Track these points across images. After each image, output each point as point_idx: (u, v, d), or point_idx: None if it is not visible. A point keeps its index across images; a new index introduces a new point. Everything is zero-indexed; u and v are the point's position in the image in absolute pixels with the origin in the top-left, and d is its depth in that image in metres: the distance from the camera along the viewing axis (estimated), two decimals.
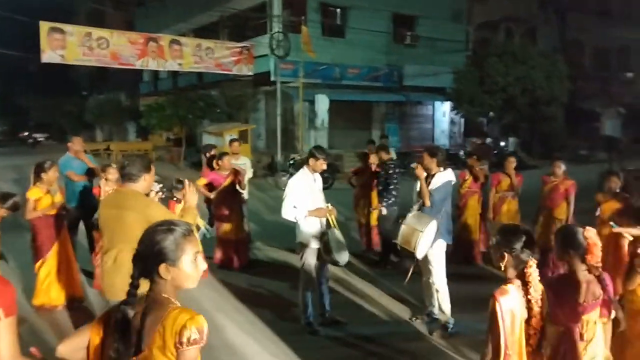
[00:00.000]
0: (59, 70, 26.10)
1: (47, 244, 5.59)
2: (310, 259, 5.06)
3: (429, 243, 4.90)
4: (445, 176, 5.03)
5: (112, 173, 6.12)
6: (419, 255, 4.88)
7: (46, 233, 5.58)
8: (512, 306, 2.46)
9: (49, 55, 14.86)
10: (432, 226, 4.85)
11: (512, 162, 7.38)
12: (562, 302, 2.88)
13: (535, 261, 2.52)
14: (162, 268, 1.82)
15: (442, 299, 5.04)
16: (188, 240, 1.88)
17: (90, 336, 1.88)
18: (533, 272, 2.48)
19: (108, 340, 1.84)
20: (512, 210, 7.30)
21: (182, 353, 1.73)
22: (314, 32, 19.67)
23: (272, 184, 16.12)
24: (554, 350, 2.95)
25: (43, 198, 5.53)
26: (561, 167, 6.67)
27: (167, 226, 1.89)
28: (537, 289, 2.49)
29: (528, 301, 2.49)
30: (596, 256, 2.80)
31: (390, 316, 5.51)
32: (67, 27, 15.26)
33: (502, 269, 2.55)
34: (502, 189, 7.34)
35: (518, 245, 2.50)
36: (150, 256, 1.84)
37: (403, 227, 4.99)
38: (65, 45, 15.01)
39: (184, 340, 1.73)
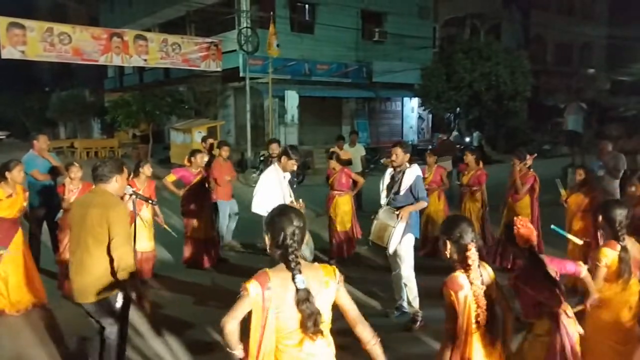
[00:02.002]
0: (19, 66, 25.26)
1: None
2: None
3: (399, 237, 4.99)
4: (415, 171, 5.15)
5: (75, 171, 6.02)
6: (391, 249, 4.98)
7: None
8: (464, 291, 2.65)
9: (9, 51, 14.41)
10: (404, 220, 4.95)
11: (466, 157, 7.47)
12: (536, 288, 3.06)
13: (475, 245, 2.70)
14: (308, 236, 2.41)
15: (410, 292, 5.12)
16: None
17: (258, 291, 2.29)
18: (472, 254, 2.66)
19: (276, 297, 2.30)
20: (471, 207, 7.35)
21: (342, 289, 2.45)
22: (283, 28, 19.59)
23: (242, 180, 16.03)
24: (551, 345, 3.06)
25: (4, 201, 5.32)
26: (517, 162, 6.74)
27: (295, 209, 2.51)
28: (476, 270, 2.66)
29: (470, 283, 2.66)
30: (519, 237, 3.08)
31: (360, 310, 5.55)
32: (28, 22, 14.83)
33: (448, 256, 2.77)
34: (463, 183, 7.47)
35: (456, 232, 2.70)
36: (303, 234, 2.41)
37: (375, 223, 5.08)
38: (26, 41, 14.59)
39: (339, 279, 2.42)
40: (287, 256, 2.31)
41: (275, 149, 7.36)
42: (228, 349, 2.37)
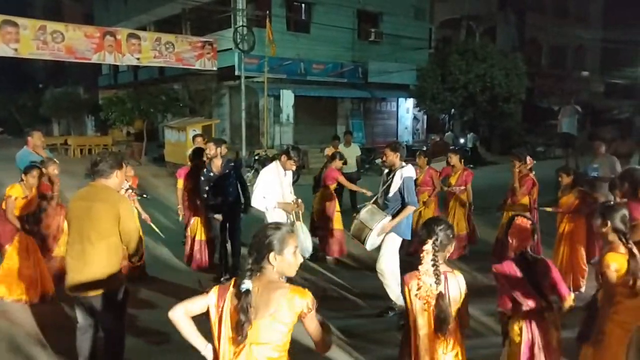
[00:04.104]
0: (12, 63, 25.11)
1: (5, 237, 5.57)
2: None
3: (377, 238, 5.08)
4: (406, 173, 5.11)
5: (54, 168, 6.10)
6: (369, 247, 5.14)
7: (5, 227, 5.55)
8: (419, 288, 2.74)
9: (1, 48, 14.35)
10: (384, 222, 5.02)
11: (449, 158, 7.56)
12: (513, 284, 3.11)
13: (430, 245, 2.79)
14: (271, 256, 2.27)
15: (388, 289, 5.17)
16: (290, 237, 2.34)
17: (213, 302, 2.30)
18: (425, 254, 2.76)
19: (227, 308, 2.27)
20: (458, 207, 7.35)
21: (309, 316, 2.29)
22: (278, 27, 19.57)
23: None
24: (525, 343, 3.08)
25: (19, 201, 5.48)
26: (517, 163, 6.77)
27: (275, 225, 2.38)
28: (427, 269, 2.75)
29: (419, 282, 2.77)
30: (513, 232, 3.17)
31: (359, 310, 5.56)
32: (20, 20, 14.76)
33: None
34: (451, 184, 7.47)
35: (423, 231, 2.85)
36: (262, 247, 2.28)
37: (355, 222, 5.19)
38: (19, 38, 14.53)
39: (309, 307, 2.28)
40: (247, 264, 2.33)
41: (211, 148, 6.27)
42: (199, 350, 2.36)
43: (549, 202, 6.93)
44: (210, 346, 2.35)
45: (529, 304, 3.07)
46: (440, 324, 2.69)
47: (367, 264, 7.12)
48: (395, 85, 23.92)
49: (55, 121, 34.72)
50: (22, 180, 5.55)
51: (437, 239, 2.75)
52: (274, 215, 5.20)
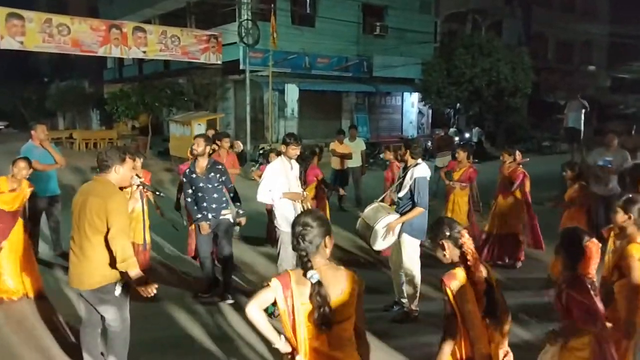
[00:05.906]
0: (18, 56, 25.14)
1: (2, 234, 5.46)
2: (287, 242, 5.06)
3: (389, 238, 4.95)
4: (418, 172, 4.94)
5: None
6: (377, 248, 5.07)
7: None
8: (463, 287, 2.67)
9: (7, 41, 14.41)
10: (387, 220, 4.89)
11: (457, 154, 7.50)
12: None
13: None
14: (327, 239, 2.43)
15: (409, 289, 5.13)
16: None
17: (280, 293, 2.36)
18: (467, 240, 2.72)
19: (297, 295, 2.36)
20: (459, 202, 7.31)
21: (359, 300, 2.44)
22: (283, 21, 19.53)
23: (242, 174, 15.99)
24: (593, 357, 2.91)
25: (6, 194, 5.40)
26: (507, 157, 6.84)
27: (312, 210, 2.56)
28: (471, 251, 2.70)
29: (468, 268, 2.70)
30: (582, 267, 2.98)
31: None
32: (26, 13, 14.82)
33: (446, 256, 2.79)
34: (453, 179, 7.42)
35: (447, 230, 2.77)
36: (320, 233, 2.40)
37: (359, 220, 5.14)
38: (25, 31, 14.60)
39: (362, 291, 2.44)
40: (300, 256, 2.41)
41: (200, 143, 5.46)
42: (273, 345, 2.42)
43: (550, 197, 6.90)
44: (284, 337, 2.41)
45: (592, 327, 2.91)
46: (493, 313, 2.70)
47: (368, 259, 7.15)
48: (400, 79, 23.84)
49: (60, 115, 34.82)
50: (12, 173, 5.45)
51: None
52: (280, 206, 5.18)
